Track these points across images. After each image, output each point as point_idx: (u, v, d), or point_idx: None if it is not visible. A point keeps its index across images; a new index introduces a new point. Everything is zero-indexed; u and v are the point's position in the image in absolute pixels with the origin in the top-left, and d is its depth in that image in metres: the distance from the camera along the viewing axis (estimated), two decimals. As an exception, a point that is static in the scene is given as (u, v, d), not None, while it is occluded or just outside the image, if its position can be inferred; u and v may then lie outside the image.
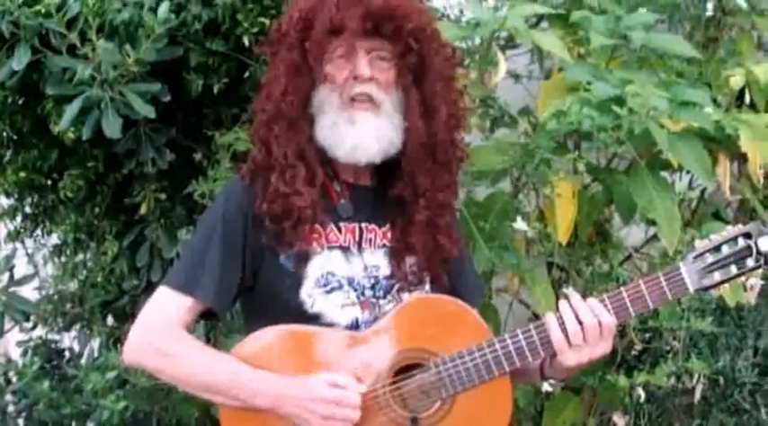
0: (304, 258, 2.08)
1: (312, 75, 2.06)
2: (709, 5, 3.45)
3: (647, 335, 3.21)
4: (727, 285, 2.08)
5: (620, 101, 2.69)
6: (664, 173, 3.07)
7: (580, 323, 2.02)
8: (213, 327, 3.00)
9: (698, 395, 3.27)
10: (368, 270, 2.13)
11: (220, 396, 2.06)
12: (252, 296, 2.14)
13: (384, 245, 2.16)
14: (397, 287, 2.15)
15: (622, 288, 2.06)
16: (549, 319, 2.04)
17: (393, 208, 2.16)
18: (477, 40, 3.02)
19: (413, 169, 2.11)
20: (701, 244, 2.07)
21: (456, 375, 2.04)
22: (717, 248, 2.04)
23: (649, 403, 3.27)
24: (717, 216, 3.48)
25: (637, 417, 3.22)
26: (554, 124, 2.66)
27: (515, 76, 3.51)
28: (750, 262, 2.03)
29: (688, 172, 3.28)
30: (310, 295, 2.08)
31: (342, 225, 2.12)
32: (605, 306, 2.04)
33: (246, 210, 2.08)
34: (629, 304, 2.04)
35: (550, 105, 2.73)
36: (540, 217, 3.11)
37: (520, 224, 2.87)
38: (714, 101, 3.05)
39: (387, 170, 2.13)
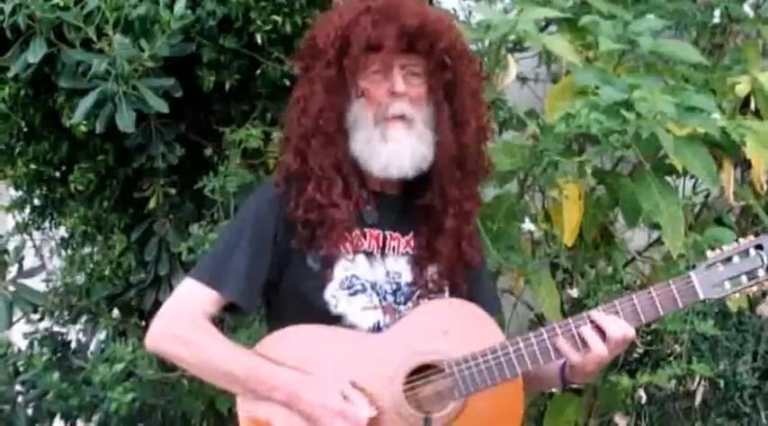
0: (330, 260, 2.12)
1: (348, 90, 2.11)
2: (716, 13, 3.49)
3: (649, 338, 3.23)
4: (737, 295, 2.12)
5: (627, 105, 2.71)
6: (668, 178, 3.10)
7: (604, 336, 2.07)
8: (221, 321, 3.02)
9: (699, 399, 3.30)
10: (390, 275, 2.18)
11: (238, 387, 2.08)
12: (276, 294, 2.18)
13: (407, 253, 2.21)
14: (417, 294, 2.19)
15: (634, 296, 2.10)
16: (559, 340, 2.08)
17: (418, 216, 2.20)
18: (487, 43, 3.05)
19: (443, 180, 2.16)
20: (712, 255, 2.11)
21: (469, 376, 2.07)
22: (728, 259, 2.09)
23: (650, 405, 3.30)
24: (720, 221, 3.51)
25: (638, 418, 3.25)
26: (562, 127, 2.69)
27: (523, 79, 3.55)
28: (761, 274, 2.07)
29: (692, 176, 3.31)
30: (334, 296, 2.13)
31: (367, 231, 2.17)
32: (617, 313, 2.08)
33: (278, 213, 2.12)
34: (640, 310, 2.08)
35: (558, 108, 2.76)
36: (546, 218, 3.14)
37: (527, 224, 2.91)
38: (719, 107, 3.08)
39: (414, 179, 2.16)
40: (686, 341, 3.07)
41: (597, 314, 2.09)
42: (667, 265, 3.16)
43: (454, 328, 2.12)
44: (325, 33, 2.11)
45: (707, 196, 3.58)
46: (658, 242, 3.41)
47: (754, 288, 2.10)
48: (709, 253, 2.12)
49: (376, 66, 2.10)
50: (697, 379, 3.23)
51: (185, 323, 2.10)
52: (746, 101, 3.33)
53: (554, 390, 3.19)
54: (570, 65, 3.02)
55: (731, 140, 3.00)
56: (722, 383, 3.39)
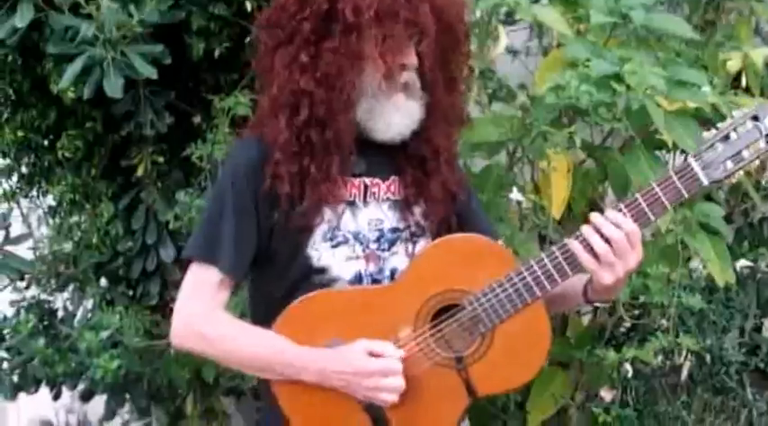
0: (313, 215, 2.11)
1: (363, 59, 2.08)
2: (709, -12, 3.48)
3: (636, 312, 3.24)
4: (741, 172, 2.00)
5: (618, 78, 2.71)
6: (658, 153, 3.09)
7: (607, 240, 2.01)
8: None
9: (685, 373, 3.31)
10: (372, 223, 2.17)
11: (268, 374, 2.10)
12: (259, 256, 2.16)
13: (388, 198, 2.20)
14: (401, 238, 2.19)
15: (638, 194, 2.01)
16: (573, 244, 2.03)
17: (400, 160, 2.20)
18: (477, 14, 3.03)
19: (432, 134, 2.18)
20: (709, 135, 2.00)
21: (491, 308, 2.06)
22: (725, 137, 1.97)
23: (636, 379, 3.30)
24: (709, 197, 3.51)
25: (624, 393, 3.25)
26: (552, 98, 2.68)
27: (513, 52, 3.54)
28: (762, 144, 1.95)
29: (682, 151, 3.31)
30: (317, 249, 2.12)
31: (348, 180, 2.15)
32: (624, 215, 2.02)
33: (257, 186, 2.09)
34: (646, 209, 2.00)
35: (548, 79, 2.75)
36: (535, 190, 3.13)
37: (515, 194, 2.90)
38: (710, 83, 3.07)
39: None
40: (673, 316, 3.07)
41: (599, 219, 2.02)
42: (656, 240, 3.16)
43: (465, 263, 2.11)
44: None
45: (697, 172, 3.57)
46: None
47: (756, 162, 1.98)
48: (705, 134, 2.01)
49: (388, 33, 2.06)
50: (683, 354, 3.24)
51: (206, 319, 2.11)
52: (738, 77, 3.33)
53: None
54: (561, 37, 3.01)
55: (722, 116, 2.99)
56: (708, 358, 3.40)
